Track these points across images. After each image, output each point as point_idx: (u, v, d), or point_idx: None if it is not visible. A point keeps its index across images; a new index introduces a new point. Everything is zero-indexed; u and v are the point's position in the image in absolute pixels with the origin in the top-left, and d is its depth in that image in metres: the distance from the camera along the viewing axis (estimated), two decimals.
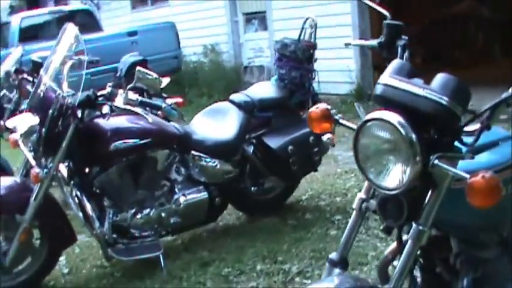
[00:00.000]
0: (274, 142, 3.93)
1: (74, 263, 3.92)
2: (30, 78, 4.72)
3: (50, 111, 3.20)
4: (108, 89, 3.27)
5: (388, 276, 2.15)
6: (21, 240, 3.35)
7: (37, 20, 10.12)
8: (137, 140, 3.47)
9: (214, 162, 3.88)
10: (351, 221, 1.83)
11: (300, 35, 4.27)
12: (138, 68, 3.42)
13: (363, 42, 2.58)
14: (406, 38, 1.98)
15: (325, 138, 4.31)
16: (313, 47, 4.25)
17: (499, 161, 1.77)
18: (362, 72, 8.42)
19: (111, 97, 3.25)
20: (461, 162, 1.69)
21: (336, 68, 8.43)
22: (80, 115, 3.30)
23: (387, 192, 1.63)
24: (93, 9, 11.15)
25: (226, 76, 9.86)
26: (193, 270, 3.57)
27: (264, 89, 4.22)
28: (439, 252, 1.93)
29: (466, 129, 1.65)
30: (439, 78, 1.60)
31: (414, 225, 1.62)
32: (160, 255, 3.58)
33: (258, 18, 9.87)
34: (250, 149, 3.98)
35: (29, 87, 4.66)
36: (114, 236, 3.56)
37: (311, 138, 3.97)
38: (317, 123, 1.86)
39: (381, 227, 1.73)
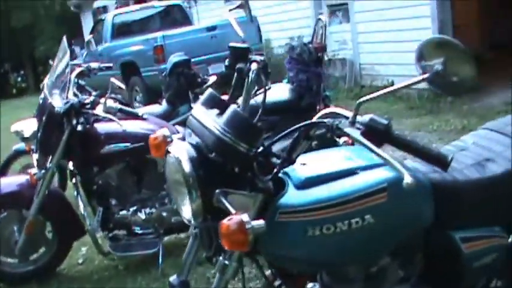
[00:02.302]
0: (276, 146, 3.93)
1: (91, 253, 4.23)
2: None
3: (43, 118, 3.49)
4: (91, 98, 3.49)
5: None
6: (28, 232, 3.69)
7: (129, 16, 10.72)
8: (129, 144, 3.66)
9: None
10: (188, 245, 1.88)
11: (312, 37, 4.24)
12: (111, 79, 3.59)
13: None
14: (252, 61, 1.97)
15: (341, 141, 4.29)
16: (323, 48, 4.19)
17: (327, 197, 1.64)
18: None
19: (93, 105, 3.47)
20: (292, 196, 1.66)
21: (413, 62, 8.13)
22: (75, 121, 3.52)
23: (187, 223, 1.66)
24: (185, 3, 11.53)
25: None
26: None
27: (273, 92, 4.23)
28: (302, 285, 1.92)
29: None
30: (228, 112, 1.59)
31: (220, 259, 1.64)
32: (160, 253, 3.76)
33: (342, 10, 9.72)
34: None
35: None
36: (116, 232, 3.81)
37: (314, 143, 3.94)
38: (155, 148, 1.91)
39: (204, 255, 1.76)
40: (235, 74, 2.04)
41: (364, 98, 1.62)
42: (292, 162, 1.61)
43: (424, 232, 1.90)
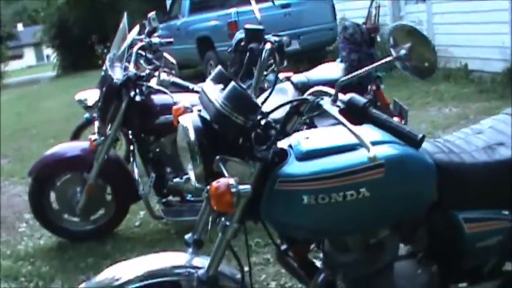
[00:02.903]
0: (321, 123, 4.01)
1: (148, 217, 4.50)
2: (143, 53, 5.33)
3: (104, 89, 3.76)
4: (147, 71, 3.71)
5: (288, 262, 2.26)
6: (88, 194, 4.00)
7: None
8: None
9: None
10: (202, 207, 2.05)
11: (366, 18, 4.28)
12: (164, 54, 3.78)
13: None
14: (266, 41, 2.08)
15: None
16: (375, 30, 4.21)
17: (323, 169, 1.74)
18: None
19: (148, 78, 3.69)
20: (292, 167, 1.78)
21: (489, 44, 7.92)
22: (133, 92, 3.77)
23: (196, 186, 1.82)
24: None
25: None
26: None
27: (326, 71, 4.32)
28: (301, 252, 2.04)
29: None
30: (228, 87, 1.73)
31: (222, 219, 1.80)
32: (209, 220, 3.97)
33: None
34: (303, 129, 4.12)
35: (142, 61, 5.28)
36: (169, 198, 4.06)
37: None
38: (177, 118, 2.06)
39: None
40: (247, 54, 2.17)
41: (344, 78, 1.72)
42: (286, 135, 1.73)
43: (427, 210, 1.98)
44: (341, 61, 4.28)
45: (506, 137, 2.12)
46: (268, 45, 2.30)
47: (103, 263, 3.80)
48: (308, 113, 1.77)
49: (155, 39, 4.24)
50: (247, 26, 2.29)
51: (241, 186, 1.60)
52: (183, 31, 10.51)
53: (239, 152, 1.73)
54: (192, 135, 1.72)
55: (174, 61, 3.78)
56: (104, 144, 3.86)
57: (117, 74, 3.80)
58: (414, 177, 1.87)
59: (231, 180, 1.59)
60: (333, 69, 4.29)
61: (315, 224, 1.81)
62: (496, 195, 2.03)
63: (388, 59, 1.79)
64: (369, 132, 1.98)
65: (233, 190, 1.58)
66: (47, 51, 30.61)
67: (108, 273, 1.98)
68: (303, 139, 1.86)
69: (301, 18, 9.30)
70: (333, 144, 1.82)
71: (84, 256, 3.94)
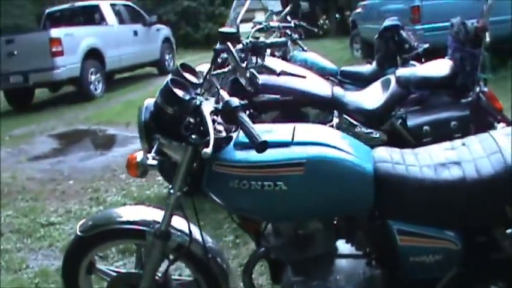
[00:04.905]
0: (412, 119, 3.98)
1: None
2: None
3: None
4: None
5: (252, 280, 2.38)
6: None
7: None
8: (278, 96, 4.12)
9: (363, 127, 4.24)
10: None
11: (480, 16, 4.10)
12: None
13: None
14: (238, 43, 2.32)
15: (499, 127, 4.28)
16: (484, 29, 3.99)
17: (248, 159, 1.99)
18: None
19: None
20: (228, 152, 2.06)
21: None
22: None
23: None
24: None
25: None
26: None
27: (432, 68, 4.24)
28: (252, 226, 2.31)
29: None
30: (164, 82, 2.05)
31: (169, 187, 2.16)
32: None
33: None
34: (397, 122, 4.13)
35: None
36: None
37: (453, 123, 3.90)
38: None
39: None
40: (213, 54, 2.42)
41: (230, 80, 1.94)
42: (203, 126, 1.99)
43: (367, 214, 2.10)
44: (450, 59, 4.19)
45: (467, 157, 2.09)
46: (239, 46, 2.52)
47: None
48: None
49: (274, 23, 4.57)
50: (222, 29, 2.53)
51: (149, 161, 1.95)
52: (375, 10, 10.54)
53: (177, 136, 2.07)
54: (142, 117, 2.10)
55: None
56: None
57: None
58: (341, 180, 2.01)
59: (140, 155, 1.96)
60: (439, 67, 4.20)
61: (239, 205, 2.08)
62: (439, 214, 2.04)
63: None
64: (310, 130, 2.17)
65: (140, 162, 1.95)
66: None
67: (106, 213, 2.56)
68: None
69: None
70: (269, 139, 1.92)
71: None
